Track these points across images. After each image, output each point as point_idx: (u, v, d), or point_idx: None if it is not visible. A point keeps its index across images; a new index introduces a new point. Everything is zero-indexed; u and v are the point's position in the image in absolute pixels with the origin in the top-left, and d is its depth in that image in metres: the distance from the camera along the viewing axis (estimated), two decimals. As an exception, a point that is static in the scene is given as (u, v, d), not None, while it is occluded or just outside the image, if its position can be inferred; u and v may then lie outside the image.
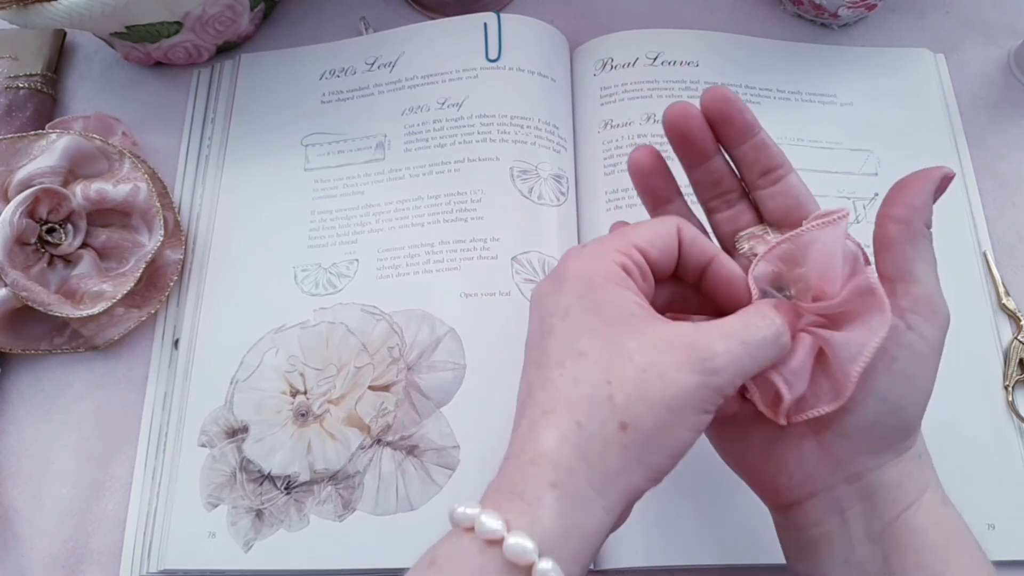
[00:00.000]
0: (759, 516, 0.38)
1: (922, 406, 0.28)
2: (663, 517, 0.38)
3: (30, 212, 0.41)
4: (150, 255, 0.43)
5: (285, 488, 0.39)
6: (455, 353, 0.41)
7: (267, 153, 0.48)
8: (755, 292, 0.29)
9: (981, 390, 0.41)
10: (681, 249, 0.29)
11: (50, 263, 0.43)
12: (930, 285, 0.28)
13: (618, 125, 0.47)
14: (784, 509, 0.31)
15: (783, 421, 0.29)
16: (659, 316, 0.27)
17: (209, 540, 0.38)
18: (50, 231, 0.42)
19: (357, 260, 0.44)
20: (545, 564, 0.23)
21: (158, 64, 0.51)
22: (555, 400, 0.25)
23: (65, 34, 0.52)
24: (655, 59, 0.48)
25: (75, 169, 0.44)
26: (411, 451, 0.39)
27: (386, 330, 0.42)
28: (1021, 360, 0.40)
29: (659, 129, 0.46)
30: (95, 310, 0.41)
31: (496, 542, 0.23)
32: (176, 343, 0.43)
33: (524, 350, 0.28)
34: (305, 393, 0.41)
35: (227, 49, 0.51)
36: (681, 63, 0.48)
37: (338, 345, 0.42)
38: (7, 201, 0.42)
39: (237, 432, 0.40)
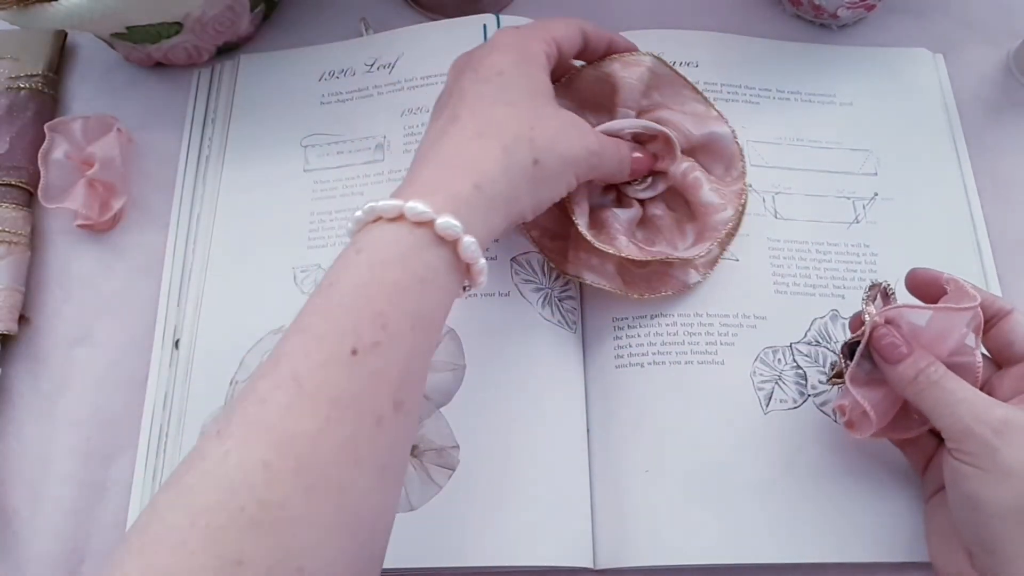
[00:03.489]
0: (760, 515, 0.38)
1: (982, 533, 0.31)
2: (663, 517, 0.38)
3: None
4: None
5: (285, 488, 0.39)
6: (455, 353, 0.41)
7: (267, 154, 0.48)
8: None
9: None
10: (588, 37, 0.39)
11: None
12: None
13: (618, 125, 0.47)
14: None
15: (859, 435, 0.35)
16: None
17: (209, 540, 0.38)
18: None
19: (357, 260, 0.44)
20: (469, 238, 0.29)
21: (158, 65, 0.51)
22: (486, 127, 0.32)
23: (66, 35, 0.52)
24: (655, 59, 0.48)
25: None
26: (411, 451, 0.39)
27: (386, 330, 0.42)
28: None
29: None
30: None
31: (426, 223, 0.29)
32: (176, 343, 0.43)
33: (443, 96, 0.36)
34: (305, 393, 0.41)
35: (227, 50, 0.51)
36: (681, 63, 0.48)
37: (338, 345, 0.42)
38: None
39: (237, 432, 0.40)
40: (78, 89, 0.51)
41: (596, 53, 0.40)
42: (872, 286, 0.35)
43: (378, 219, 0.29)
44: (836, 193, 0.45)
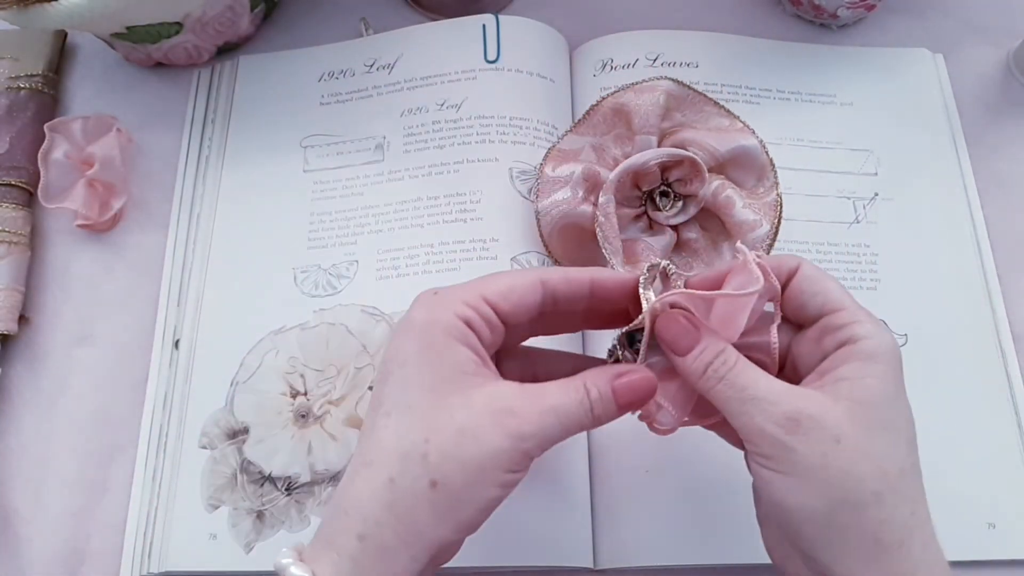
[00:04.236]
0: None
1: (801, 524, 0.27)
2: (663, 517, 0.38)
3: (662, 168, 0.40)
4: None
5: (286, 489, 0.39)
6: (455, 354, 0.41)
7: (266, 154, 0.48)
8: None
9: (981, 391, 0.41)
10: (556, 292, 0.30)
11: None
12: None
13: (618, 126, 0.47)
14: None
15: (661, 431, 0.31)
16: (491, 372, 0.29)
17: (210, 542, 0.38)
18: (663, 195, 0.41)
19: (357, 261, 0.44)
20: None
21: (158, 65, 0.51)
22: (376, 452, 0.27)
23: (66, 35, 0.52)
24: (655, 60, 0.48)
25: None
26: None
27: (386, 331, 0.42)
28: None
29: (659, 130, 0.46)
30: None
31: None
32: (176, 343, 0.43)
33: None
34: (305, 394, 0.41)
35: (227, 50, 0.51)
36: (681, 64, 0.48)
37: (338, 346, 0.42)
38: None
39: (237, 433, 0.40)
40: (78, 89, 0.51)
41: (572, 303, 0.30)
42: (650, 267, 0.30)
43: None
44: (836, 193, 0.45)
